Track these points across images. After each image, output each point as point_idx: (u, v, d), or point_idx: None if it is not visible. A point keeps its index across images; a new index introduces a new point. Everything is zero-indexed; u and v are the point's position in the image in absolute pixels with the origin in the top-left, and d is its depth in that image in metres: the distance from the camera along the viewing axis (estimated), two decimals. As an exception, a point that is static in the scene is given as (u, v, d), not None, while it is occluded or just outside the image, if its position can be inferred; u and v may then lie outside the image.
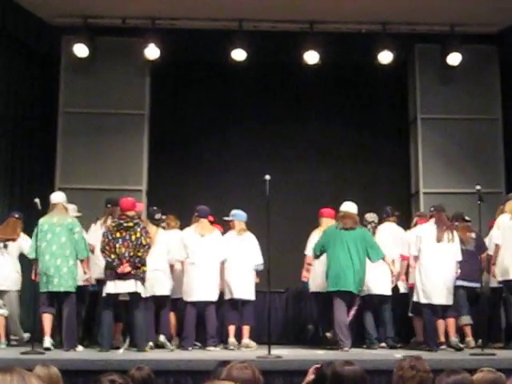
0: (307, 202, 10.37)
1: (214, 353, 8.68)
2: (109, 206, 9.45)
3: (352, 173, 12.21)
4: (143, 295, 8.67)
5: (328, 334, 9.21)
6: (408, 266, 9.27)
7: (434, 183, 11.55)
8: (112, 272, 8.50)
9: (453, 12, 10.87)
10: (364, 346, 9.36)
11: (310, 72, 11.38)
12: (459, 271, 8.85)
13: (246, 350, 9.04)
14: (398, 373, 4.52)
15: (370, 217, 9.73)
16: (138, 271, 8.55)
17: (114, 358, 7.47)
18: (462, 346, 8.75)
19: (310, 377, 4.96)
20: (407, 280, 9.51)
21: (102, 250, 8.59)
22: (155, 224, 9.50)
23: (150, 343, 8.89)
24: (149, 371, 4.98)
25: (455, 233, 8.93)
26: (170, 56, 11.30)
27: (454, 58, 11.33)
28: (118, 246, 8.54)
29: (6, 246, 9.35)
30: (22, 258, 9.36)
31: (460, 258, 8.83)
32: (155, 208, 9.71)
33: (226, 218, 9.65)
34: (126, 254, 8.52)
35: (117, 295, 8.59)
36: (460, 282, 9.06)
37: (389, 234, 9.61)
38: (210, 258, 9.19)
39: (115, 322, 8.95)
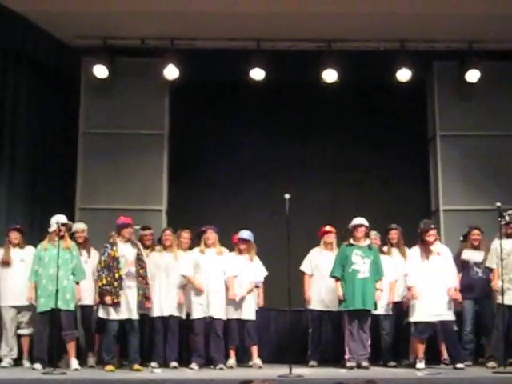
0: (326, 221, 10.32)
1: (236, 372, 8.66)
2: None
3: (371, 191, 12.19)
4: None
5: None
6: None
7: (453, 200, 11.50)
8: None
9: (471, 29, 10.86)
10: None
11: (328, 91, 11.39)
12: None
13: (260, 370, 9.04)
14: None
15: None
16: None
17: (135, 378, 7.45)
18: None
19: None
20: None
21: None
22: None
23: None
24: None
25: None
26: (189, 76, 11.34)
27: (473, 75, 11.31)
28: None
29: None
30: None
31: None
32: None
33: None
34: None
35: None
36: None
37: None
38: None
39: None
